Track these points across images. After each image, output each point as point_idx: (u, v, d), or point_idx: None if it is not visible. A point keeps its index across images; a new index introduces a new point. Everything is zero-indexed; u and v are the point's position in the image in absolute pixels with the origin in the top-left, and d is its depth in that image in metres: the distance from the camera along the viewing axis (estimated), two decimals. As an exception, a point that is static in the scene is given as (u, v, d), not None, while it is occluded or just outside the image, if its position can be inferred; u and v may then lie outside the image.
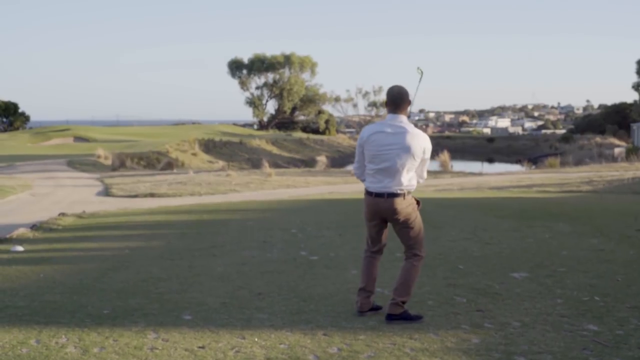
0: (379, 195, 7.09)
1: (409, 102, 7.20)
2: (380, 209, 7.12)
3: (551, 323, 6.91)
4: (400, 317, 7.03)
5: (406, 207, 7.11)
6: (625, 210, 17.41)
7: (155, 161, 50.69)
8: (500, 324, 6.90)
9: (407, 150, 6.97)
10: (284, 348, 6.12)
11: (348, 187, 29.96)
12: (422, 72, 7.78)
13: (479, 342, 6.32)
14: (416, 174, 7.22)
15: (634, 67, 77.62)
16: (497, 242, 12.00)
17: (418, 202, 7.31)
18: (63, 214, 17.75)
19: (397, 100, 7.16)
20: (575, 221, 14.80)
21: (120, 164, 43.83)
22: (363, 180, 7.39)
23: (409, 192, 7.14)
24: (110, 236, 14.15)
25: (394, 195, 7.05)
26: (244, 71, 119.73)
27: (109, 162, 45.67)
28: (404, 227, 7.20)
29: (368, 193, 7.21)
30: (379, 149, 7.06)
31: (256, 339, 6.37)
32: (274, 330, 6.69)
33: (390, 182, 7.04)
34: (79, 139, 74.52)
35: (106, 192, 27.62)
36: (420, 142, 7.04)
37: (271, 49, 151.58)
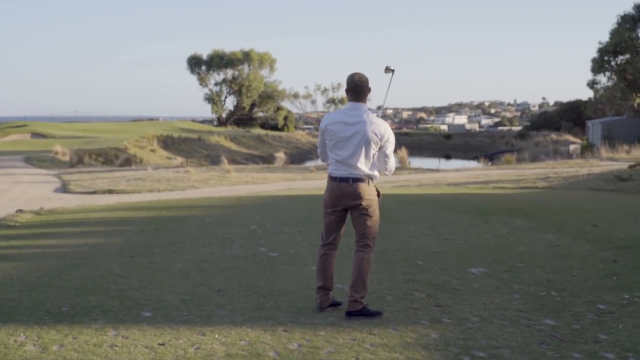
0: (343, 180, 7.13)
1: (369, 90, 7.24)
2: (344, 193, 7.15)
3: (509, 318, 6.99)
4: (359, 313, 7.06)
5: (370, 193, 7.17)
6: (581, 207, 17.60)
7: (114, 157, 50.39)
8: (458, 319, 6.96)
9: (366, 138, 7.02)
10: (245, 344, 6.14)
11: (307, 183, 30.00)
12: (393, 70, 7.83)
13: (437, 337, 6.38)
14: (380, 165, 7.26)
15: (589, 64, 78.14)
16: (455, 238, 12.09)
17: (378, 194, 7.36)
18: (21, 211, 17.60)
19: (357, 88, 7.20)
20: (532, 217, 14.94)
21: (78, 160, 43.52)
22: (327, 161, 7.41)
23: (371, 180, 7.19)
24: (68, 233, 14.06)
25: (359, 180, 7.11)
26: (203, 67, 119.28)
27: (66, 158, 45.33)
28: (363, 214, 7.23)
29: (332, 179, 7.23)
30: (339, 138, 7.11)
31: (216, 336, 6.37)
32: (234, 326, 6.69)
33: (352, 169, 7.08)
34: (36, 135, 73.80)
35: (64, 189, 27.39)
36: (378, 129, 7.09)
37: (230, 46, 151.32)
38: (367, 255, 7.25)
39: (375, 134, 7.05)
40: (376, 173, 7.25)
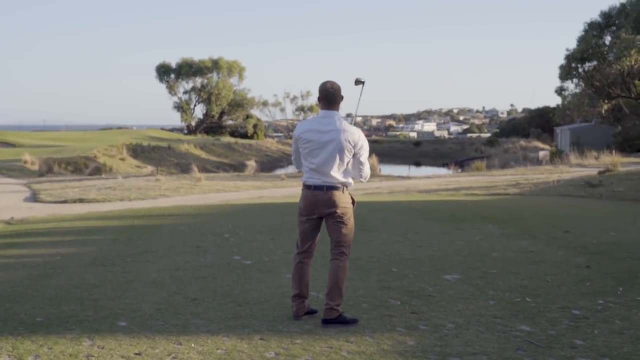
0: (318, 188, 7.14)
1: (342, 98, 7.26)
2: (319, 201, 7.16)
3: (485, 324, 7.03)
4: (336, 321, 7.07)
5: (345, 201, 7.19)
6: (552, 213, 17.69)
7: (84, 166, 50.11)
8: (435, 326, 6.99)
9: (340, 146, 7.04)
10: (221, 354, 6.13)
11: (278, 191, 29.98)
12: (363, 82, 7.84)
13: (414, 344, 6.40)
14: (354, 172, 7.27)
15: (557, 72, 78.60)
16: (429, 245, 12.12)
17: (353, 202, 7.38)
18: (-9, 221, 17.50)
19: (329, 96, 7.22)
20: (504, 223, 15.00)
21: (47, 169, 43.25)
22: (301, 170, 7.42)
23: (346, 188, 7.20)
24: (40, 243, 13.98)
25: (334, 188, 7.12)
26: (172, 76, 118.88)
27: (36, 167, 45.02)
28: (338, 222, 7.24)
29: (307, 187, 7.25)
30: (312, 147, 7.12)
31: (193, 345, 6.36)
32: (211, 335, 6.68)
33: (327, 178, 7.09)
34: (4, 144, 73.18)
35: (34, 198, 27.21)
36: (352, 137, 7.11)
37: (199, 54, 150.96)
38: (343, 263, 7.25)
39: (349, 142, 7.07)
40: (351, 181, 7.27)
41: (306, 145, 7.18)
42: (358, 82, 7.85)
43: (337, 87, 7.27)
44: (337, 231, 7.28)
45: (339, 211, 7.19)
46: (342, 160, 7.09)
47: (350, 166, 7.22)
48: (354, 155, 7.17)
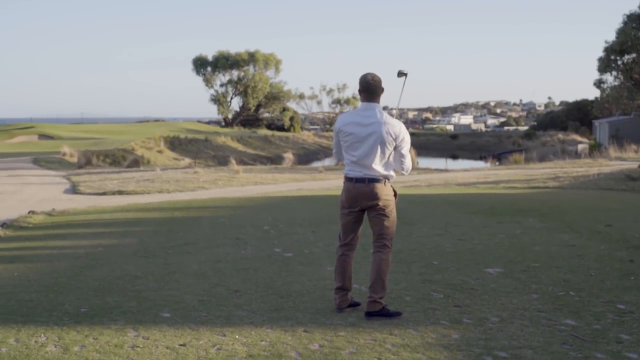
0: (359, 180, 7.13)
1: (382, 90, 7.23)
2: (361, 193, 7.15)
3: (529, 318, 6.98)
4: (379, 313, 7.06)
5: (386, 193, 7.17)
6: (593, 206, 17.55)
7: (121, 159, 50.35)
8: (478, 319, 6.96)
9: (381, 139, 7.03)
10: (266, 345, 6.14)
11: (316, 184, 29.96)
12: (406, 74, 7.81)
13: (458, 337, 6.37)
14: (395, 165, 7.25)
15: (595, 64, 78.06)
16: (470, 238, 12.07)
17: (395, 194, 7.35)
18: (33, 212, 17.61)
19: (370, 88, 7.20)
20: (545, 217, 14.90)
21: (86, 161, 43.46)
22: (343, 160, 7.41)
23: (388, 180, 7.18)
24: (82, 234, 14.07)
25: (375, 180, 7.11)
26: (209, 68, 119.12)
27: (74, 159, 45.25)
28: (380, 214, 7.23)
29: (348, 179, 7.25)
30: (353, 140, 7.11)
31: (237, 336, 6.38)
32: (254, 327, 6.70)
33: (368, 170, 7.08)
34: (43, 136, 73.69)
35: (74, 190, 27.37)
36: (393, 129, 7.09)
37: (236, 47, 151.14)
38: (385, 255, 7.24)
39: (390, 134, 7.05)
40: (392, 173, 7.24)
41: (347, 137, 7.17)
42: (400, 74, 7.82)
43: (378, 79, 7.24)
44: (379, 223, 7.26)
45: (380, 203, 7.18)
46: (383, 152, 7.07)
47: (391, 158, 7.19)
48: (395, 148, 7.15)
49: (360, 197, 7.18)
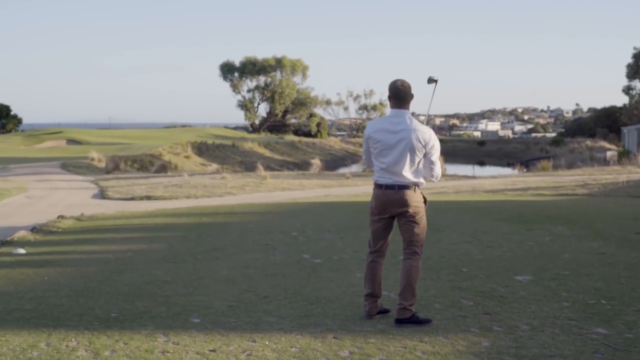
0: (389, 187, 7.10)
1: (412, 96, 7.20)
2: (391, 200, 7.13)
3: (560, 326, 6.93)
4: (409, 320, 7.03)
5: (416, 200, 7.14)
6: (623, 214, 17.47)
7: (149, 164, 50.51)
8: (509, 327, 6.91)
9: (411, 145, 7.00)
10: (296, 351, 6.13)
11: (344, 190, 29.98)
12: (436, 80, 7.79)
13: (489, 345, 6.34)
14: (425, 172, 7.22)
15: (624, 70, 77.75)
16: (498, 245, 12.03)
17: (425, 200, 7.33)
18: (62, 217, 17.72)
19: (400, 94, 7.17)
20: (574, 224, 14.84)
21: (114, 166, 43.69)
22: (372, 167, 7.39)
23: (417, 187, 7.16)
24: (111, 239, 14.12)
25: (405, 187, 7.08)
26: (236, 74, 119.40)
27: (102, 164, 45.53)
28: (410, 221, 7.20)
29: (378, 186, 7.23)
30: (383, 146, 7.09)
31: (267, 342, 6.37)
32: (284, 333, 6.69)
33: (398, 177, 7.06)
34: (71, 141, 74.18)
35: (102, 195, 27.55)
36: (423, 136, 7.05)
37: (262, 52, 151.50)
38: (415, 262, 7.21)
39: (420, 141, 7.02)
40: (422, 180, 7.22)
41: (376, 144, 7.15)
42: (431, 81, 7.81)
43: (407, 85, 7.22)
44: (409, 230, 7.23)
45: (410, 210, 7.15)
46: (412, 159, 7.05)
47: (421, 165, 7.17)
48: (425, 155, 7.12)
49: (390, 204, 7.16)
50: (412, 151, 7.01)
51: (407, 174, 7.07)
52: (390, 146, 7.05)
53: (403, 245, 7.32)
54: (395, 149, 7.04)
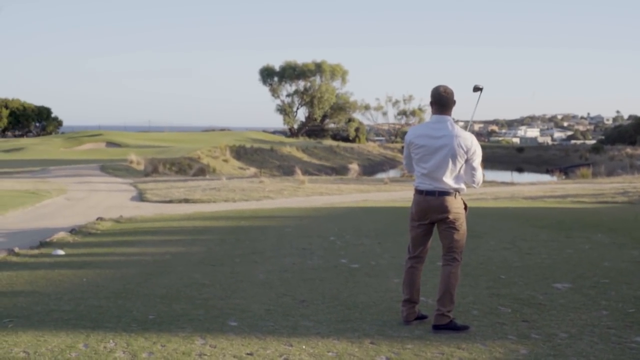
0: (430, 193, 7.08)
1: (454, 103, 7.18)
2: (431, 206, 7.10)
3: (598, 334, 6.87)
4: (447, 327, 7.00)
5: (457, 206, 7.11)
6: (663, 222, 17.29)
7: (187, 167, 50.72)
8: (547, 335, 6.87)
9: (452, 151, 6.98)
10: (332, 356, 6.13)
11: (382, 195, 29.92)
12: (481, 88, 7.78)
13: (527, 352, 6.30)
14: (466, 178, 7.18)
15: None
16: (537, 253, 11.96)
17: (465, 207, 7.30)
18: (101, 219, 17.85)
19: (442, 100, 7.15)
20: (614, 232, 14.72)
21: (152, 169, 43.90)
22: (413, 172, 7.37)
23: (458, 193, 7.13)
24: (149, 241, 14.21)
25: (446, 193, 7.06)
26: (275, 78, 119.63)
27: (141, 167, 45.75)
28: (450, 228, 7.17)
29: (418, 192, 7.21)
30: (424, 152, 7.07)
31: (304, 347, 6.37)
32: (321, 338, 6.69)
33: (439, 183, 7.04)
34: (111, 144, 74.57)
35: (140, 197, 27.68)
36: (465, 142, 7.02)
37: (302, 57, 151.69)
38: (455, 269, 7.18)
39: (462, 147, 6.99)
40: (463, 186, 7.19)
41: (418, 150, 7.14)
42: (476, 89, 7.79)
43: (450, 91, 7.19)
44: (449, 236, 7.20)
45: (450, 216, 7.12)
46: (454, 165, 7.02)
47: (462, 171, 7.14)
48: (466, 161, 7.09)
49: (431, 210, 7.14)
50: (454, 157, 6.99)
51: (448, 179, 7.04)
52: (432, 152, 7.03)
53: (442, 251, 7.29)
54: (437, 155, 7.02)
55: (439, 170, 7.03)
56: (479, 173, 7.26)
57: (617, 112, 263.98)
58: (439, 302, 7.08)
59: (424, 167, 7.11)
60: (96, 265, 11.19)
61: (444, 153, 6.99)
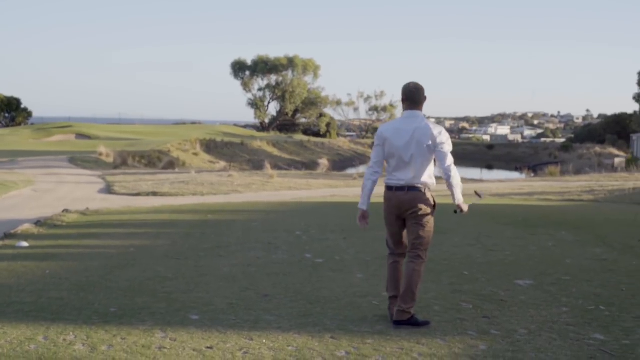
0: (399, 188, 7.10)
1: (425, 98, 7.20)
2: (401, 201, 7.12)
3: (557, 331, 6.93)
4: (407, 322, 7.02)
5: (425, 201, 7.13)
6: (627, 221, 17.42)
7: (157, 160, 50.55)
8: (506, 331, 6.92)
9: (422, 146, 7.00)
10: (292, 350, 6.14)
11: (350, 190, 29.92)
12: (480, 196, 7.92)
13: (486, 348, 6.34)
14: (439, 165, 7.18)
15: (635, 77, 77.65)
16: (501, 249, 12.03)
17: (434, 204, 7.31)
18: (67, 211, 17.76)
19: (413, 96, 7.17)
20: (578, 230, 14.82)
21: (122, 162, 43.76)
22: (374, 181, 7.33)
23: (428, 189, 7.15)
24: (114, 234, 14.17)
25: (415, 188, 7.08)
26: (247, 72, 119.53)
27: (110, 159, 45.57)
28: (417, 224, 7.17)
29: (388, 188, 7.21)
30: (395, 147, 7.07)
31: (264, 341, 6.39)
32: (282, 332, 6.70)
33: (409, 177, 7.05)
34: (80, 136, 74.17)
35: (108, 190, 27.57)
36: (434, 131, 7.06)
37: (274, 51, 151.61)
38: (418, 267, 7.18)
39: (431, 138, 7.02)
40: (433, 181, 7.21)
41: (388, 145, 7.14)
42: (476, 195, 8.03)
43: (420, 87, 7.22)
44: (415, 232, 7.19)
45: (419, 212, 7.14)
46: (425, 159, 7.04)
47: (431, 168, 7.16)
48: (436, 149, 7.09)
49: (401, 206, 7.15)
50: (424, 151, 7.01)
51: (419, 174, 7.07)
52: (403, 147, 7.04)
53: (408, 247, 7.31)
54: (407, 150, 7.03)
55: (409, 165, 7.04)
56: (450, 158, 7.20)
57: (587, 111, 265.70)
58: (401, 299, 7.09)
59: (395, 162, 7.11)
60: (60, 257, 11.14)
61: (415, 148, 7.01)
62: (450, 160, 7.16)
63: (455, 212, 7.37)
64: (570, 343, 6.54)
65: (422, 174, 7.08)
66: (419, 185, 7.10)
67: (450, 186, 7.15)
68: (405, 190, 7.10)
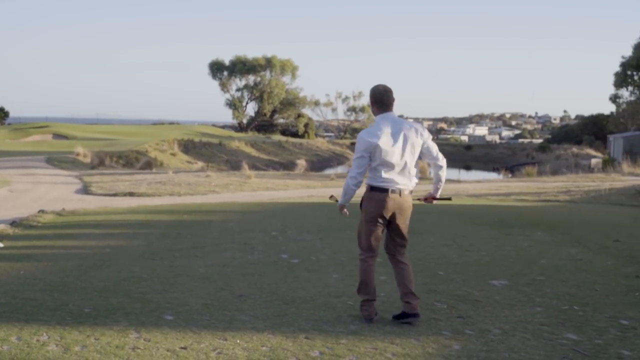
0: (395, 191, 7.12)
1: (394, 100, 7.25)
2: (396, 204, 7.14)
3: (531, 331, 6.96)
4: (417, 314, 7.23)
5: (411, 202, 7.29)
6: (603, 221, 17.51)
7: (134, 160, 50.41)
8: (480, 331, 6.94)
9: (415, 147, 7.11)
10: (266, 350, 6.14)
11: (327, 190, 29.86)
12: (336, 200, 7.93)
13: (459, 348, 6.36)
14: (429, 159, 7.32)
15: (611, 79, 78.03)
16: (477, 250, 12.05)
17: (413, 205, 7.39)
18: (43, 211, 17.71)
19: (384, 99, 7.21)
20: (554, 230, 14.87)
21: (99, 162, 43.62)
22: (355, 190, 7.37)
23: (411, 191, 7.26)
24: (90, 234, 14.13)
25: (407, 190, 7.20)
26: (225, 73, 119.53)
27: (88, 160, 45.40)
28: (403, 224, 7.29)
29: (382, 190, 7.13)
30: (391, 152, 7.04)
31: (238, 341, 6.38)
32: (256, 332, 6.70)
33: (403, 179, 7.12)
34: (58, 136, 73.95)
35: (85, 190, 27.48)
36: (420, 130, 7.19)
37: (252, 52, 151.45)
38: (409, 262, 7.52)
39: (421, 138, 7.14)
40: (415, 180, 7.25)
41: (380, 152, 7.09)
42: (332, 197, 8.07)
43: (390, 89, 7.27)
44: (401, 233, 7.36)
45: (408, 214, 7.30)
46: (414, 155, 7.13)
47: (415, 168, 7.20)
48: (424, 144, 7.18)
49: (395, 208, 7.16)
50: (413, 146, 7.09)
51: (411, 176, 7.17)
52: (397, 151, 7.05)
53: (391, 247, 7.36)
54: (402, 154, 7.06)
55: (404, 169, 7.10)
56: (436, 148, 7.30)
57: (565, 111, 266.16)
58: (412, 295, 7.27)
59: (389, 166, 7.07)
60: (35, 258, 11.10)
61: (409, 150, 7.08)
62: (441, 159, 7.33)
63: (426, 200, 7.53)
64: (544, 343, 6.57)
65: (412, 176, 7.19)
66: (411, 187, 7.20)
67: (438, 178, 7.42)
68: (404, 193, 7.14)
